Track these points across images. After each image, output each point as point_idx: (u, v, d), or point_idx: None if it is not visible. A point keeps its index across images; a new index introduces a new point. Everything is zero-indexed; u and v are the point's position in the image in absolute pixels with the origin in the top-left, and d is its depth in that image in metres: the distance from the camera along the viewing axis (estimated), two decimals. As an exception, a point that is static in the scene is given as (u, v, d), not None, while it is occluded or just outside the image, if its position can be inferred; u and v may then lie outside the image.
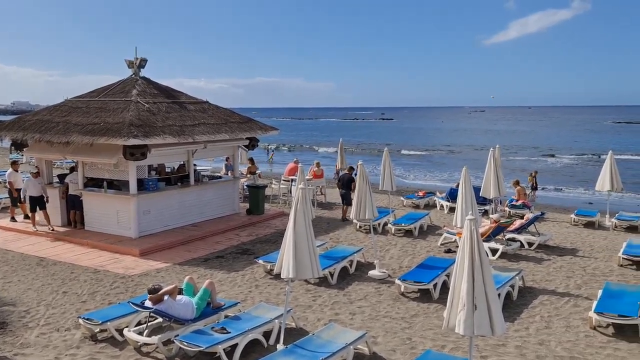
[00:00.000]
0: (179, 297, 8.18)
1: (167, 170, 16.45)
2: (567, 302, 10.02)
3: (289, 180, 19.83)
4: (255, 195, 17.10)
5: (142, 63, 16.16)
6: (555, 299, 10.22)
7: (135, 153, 12.96)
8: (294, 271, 7.52)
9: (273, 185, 20.97)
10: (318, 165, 20.98)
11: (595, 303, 9.16)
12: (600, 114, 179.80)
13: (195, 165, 16.76)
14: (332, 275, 11.12)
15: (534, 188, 22.15)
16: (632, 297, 9.31)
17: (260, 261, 11.75)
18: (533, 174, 22.62)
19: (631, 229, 16.25)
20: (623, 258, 12.47)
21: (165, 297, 8.00)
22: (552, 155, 48.16)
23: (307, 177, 18.82)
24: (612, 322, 8.74)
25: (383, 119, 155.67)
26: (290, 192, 19.18)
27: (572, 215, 17.34)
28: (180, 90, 17.09)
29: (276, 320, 8.32)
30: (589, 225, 16.76)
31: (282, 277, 7.73)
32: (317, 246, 12.33)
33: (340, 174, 19.91)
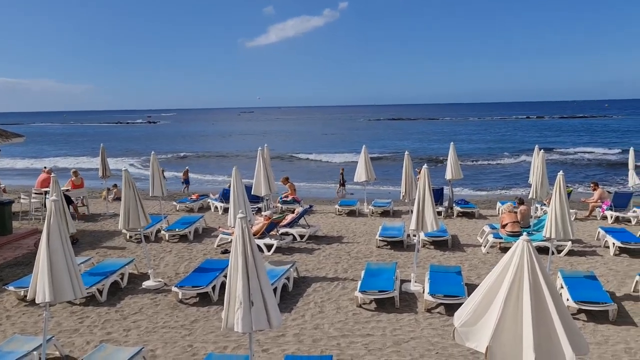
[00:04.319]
0: None
1: None
2: (336, 286, 10.81)
3: (41, 193, 17.60)
4: None
5: None
6: (327, 284, 10.95)
7: None
8: (52, 294, 6.60)
9: (22, 200, 18.39)
10: (76, 174, 19.08)
11: (359, 283, 10.07)
12: (356, 112, 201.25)
13: None
14: (100, 292, 10.17)
15: (342, 184, 23.86)
16: (388, 274, 10.49)
17: (11, 288, 10.17)
18: (341, 171, 24.32)
19: (384, 213, 18.37)
20: (380, 240, 14.01)
21: None
22: (320, 153, 51.65)
23: (64, 188, 16.99)
24: (374, 298, 9.70)
25: (150, 122, 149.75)
26: (45, 206, 17.05)
27: (337, 206, 18.90)
28: None
29: (34, 352, 7.34)
30: (351, 213, 18.45)
31: (37, 302, 6.72)
32: (81, 262, 11.28)
33: None
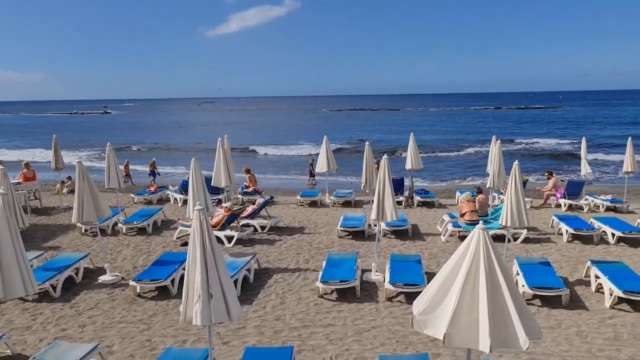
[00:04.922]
0: None
1: None
2: (298, 277, 10.79)
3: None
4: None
5: None
6: (288, 275, 10.92)
7: None
8: (1, 290, 6.37)
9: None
10: (28, 166, 18.42)
11: (320, 273, 10.08)
12: (317, 103, 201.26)
13: None
14: (54, 287, 9.86)
15: (312, 175, 23.96)
16: (349, 263, 10.53)
17: (-42, 285, 9.72)
18: (310, 162, 24.31)
19: (346, 204, 18.44)
20: (341, 230, 14.05)
21: None
22: (281, 144, 51.25)
23: (15, 181, 16.40)
24: (335, 288, 9.73)
25: (106, 112, 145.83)
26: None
27: (298, 197, 18.85)
28: None
29: (-16, 352, 7.00)
30: (313, 204, 18.44)
31: (-15, 300, 6.48)
32: (33, 258, 10.91)
33: None
